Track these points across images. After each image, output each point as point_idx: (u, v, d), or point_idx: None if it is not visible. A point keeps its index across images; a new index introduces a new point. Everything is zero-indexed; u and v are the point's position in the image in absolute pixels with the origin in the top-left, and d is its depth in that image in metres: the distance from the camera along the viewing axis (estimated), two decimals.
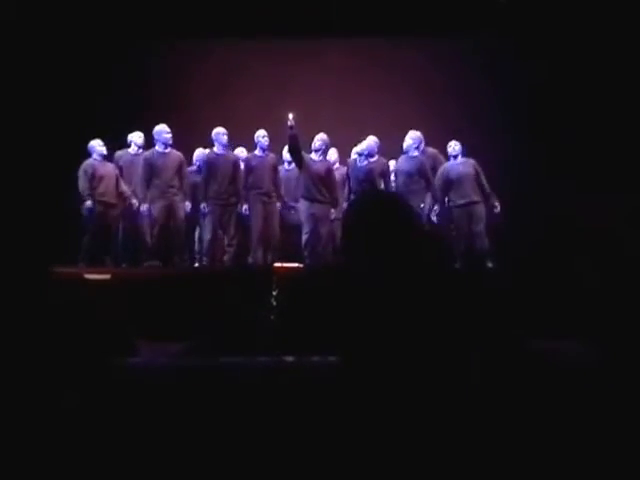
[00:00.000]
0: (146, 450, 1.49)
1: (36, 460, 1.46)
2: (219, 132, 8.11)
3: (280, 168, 8.39)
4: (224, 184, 8.03)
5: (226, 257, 8.16)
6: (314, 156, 7.99)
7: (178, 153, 8.07)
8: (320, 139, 8.02)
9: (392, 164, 8.30)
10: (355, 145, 8.24)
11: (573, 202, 8.42)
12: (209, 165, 8.08)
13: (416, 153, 8.01)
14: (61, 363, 1.72)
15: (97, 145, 8.09)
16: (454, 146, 8.09)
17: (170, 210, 7.91)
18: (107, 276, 5.70)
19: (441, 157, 8.21)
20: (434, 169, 8.09)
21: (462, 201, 7.95)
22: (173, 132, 8.04)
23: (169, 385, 1.75)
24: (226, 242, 8.15)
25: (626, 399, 1.61)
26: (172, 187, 7.91)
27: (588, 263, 6.73)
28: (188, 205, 8.06)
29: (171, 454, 1.49)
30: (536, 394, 1.56)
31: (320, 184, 7.88)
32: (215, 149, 8.14)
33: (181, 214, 7.98)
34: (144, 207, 7.91)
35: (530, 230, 8.22)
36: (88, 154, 8.10)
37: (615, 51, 8.57)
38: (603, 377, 1.76)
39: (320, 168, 7.92)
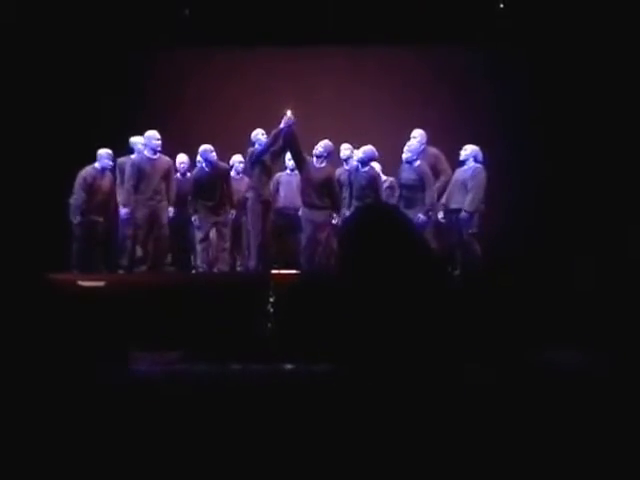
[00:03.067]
0: (139, 459, 1.46)
1: (29, 469, 1.43)
2: (206, 149, 8.11)
3: (282, 174, 8.41)
4: (214, 197, 8.04)
5: (220, 264, 8.16)
6: (315, 162, 8.00)
7: (167, 159, 8.08)
8: (322, 146, 8.04)
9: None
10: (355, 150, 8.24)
11: (575, 207, 8.45)
12: (197, 181, 8.10)
13: (418, 163, 8.00)
14: (54, 370, 1.69)
15: (105, 157, 8.01)
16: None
17: (154, 217, 7.91)
18: (101, 283, 5.67)
19: (442, 157, 8.20)
20: (434, 168, 8.08)
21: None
22: (172, 138, 8.04)
23: (164, 394, 1.72)
24: (220, 248, 8.17)
25: (628, 408, 1.59)
26: (158, 193, 7.91)
27: (589, 266, 6.75)
28: (171, 210, 8.06)
29: (165, 463, 1.46)
30: (537, 403, 1.55)
31: (320, 190, 7.90)
32: (204, 165, 8.13)
33: (164, 220, 7.98)
34: (123, 211, 7.88)
35: (532, 235, 8.21)
36: (94, 160, 8.05)
37: (619, 56, 8.59)
38: (605, 385, 1.74)
39: (320, 174, 7.93)
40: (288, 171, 8.42)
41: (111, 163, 8.04)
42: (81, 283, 5.70)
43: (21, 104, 8.69)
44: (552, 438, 1.40)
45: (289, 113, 7.79)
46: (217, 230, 8.12)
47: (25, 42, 8.73)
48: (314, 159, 8.01)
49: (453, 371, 1.45)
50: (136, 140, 8.20)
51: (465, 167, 7.93)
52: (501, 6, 8.94)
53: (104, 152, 7.99)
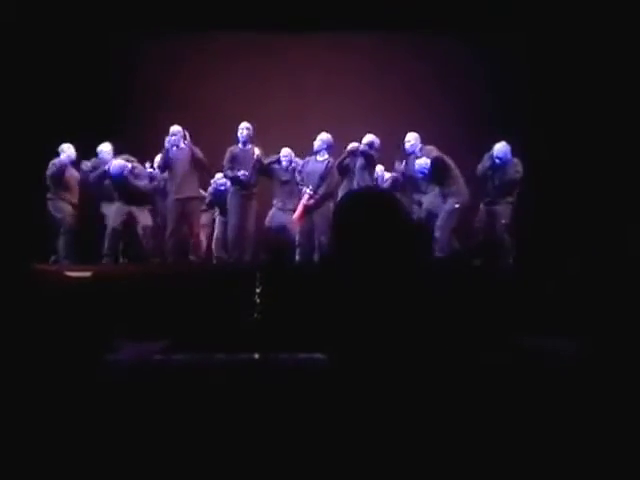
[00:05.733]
0: (127, 447, 1.47)
1: (19, 461, 1.44)
2: (177, 130, 8.06)
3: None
4: (184, 179, 8.03)
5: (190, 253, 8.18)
6: (319, 157, 8.03)
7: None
8: (320, 139, 8.06)
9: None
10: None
11: (567, 202, 8.48)
12: (167, 161, 8.07)
13: (421, 155, 8.01)
14: (42, 360, 1.70)
15: (67, 150, 8.03)
16: None
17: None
18: (87, 274, 5.66)
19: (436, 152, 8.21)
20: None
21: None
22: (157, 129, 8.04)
23: (150, 382, 1.73)
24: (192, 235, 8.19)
25: (614, 394, 1.61)
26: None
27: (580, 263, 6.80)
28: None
29: (153, 452, 1.47)
30: (526, 390, 1.56)
31: (316, 184, 7.92)
32: (173, 147, 8.09)
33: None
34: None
35: (522, 229, 8.21)
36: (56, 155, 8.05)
37: (610, 47, 8.63)
38: (592, 373, 1.76)
39: (319, 168, 7.96)
40: (284, 162, 8.36)
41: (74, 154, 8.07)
42: (68, 274, 5.68)
43: (6, 95, 8.61)
44: (545, 424, 1.42)
45: (257, 151, 7.98)
46: (185, 217, 8.10)
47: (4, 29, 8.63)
48: (314, 155, 8.04)
49: (444, 356, 1.45)
50: (102, 148, 8.11)
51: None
52: None
53: (65, 146, 8.03)
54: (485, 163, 7.85)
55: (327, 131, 8.13)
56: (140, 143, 8.26)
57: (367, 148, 7.88)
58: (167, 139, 7.99)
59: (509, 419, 1.43)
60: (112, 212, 7.95)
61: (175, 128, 8.04)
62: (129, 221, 7.95)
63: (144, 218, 8.03)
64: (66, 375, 1.66)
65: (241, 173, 7.97)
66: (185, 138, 8.06)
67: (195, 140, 8.23)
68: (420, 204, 8.01)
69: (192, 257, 8.12)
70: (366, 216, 1.49)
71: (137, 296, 5.37)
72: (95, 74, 9.10)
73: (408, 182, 8.16)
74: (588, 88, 8.68)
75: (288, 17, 9.01)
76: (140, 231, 7.95)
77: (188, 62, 9.47)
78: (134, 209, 7.98)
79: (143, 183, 8.08)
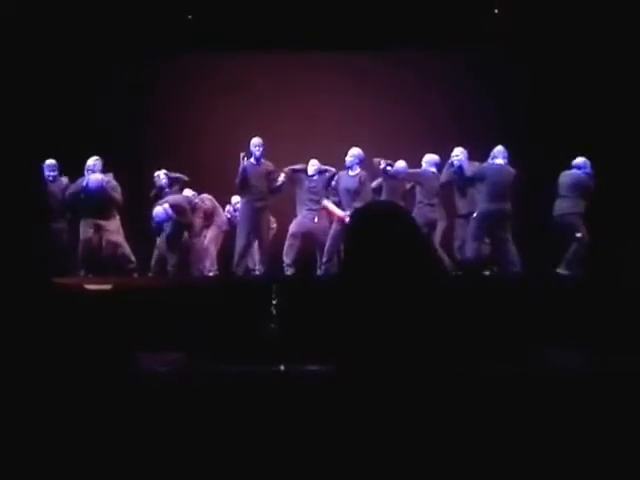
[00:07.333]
0: (144, 459, 1.50)
1: (36, 471, 1.47)
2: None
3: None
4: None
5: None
6: (351, 172, 8.07)
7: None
8: (351, 154, 8.11)
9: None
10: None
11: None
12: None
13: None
14: (61, 373, 1.72)
15: (48, 169, 7.97)
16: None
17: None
18: (108, 286, 5.71)
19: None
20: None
21: None
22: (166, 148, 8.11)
23: (170, 394, 1.75)
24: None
25: (621, 405, 1.62)
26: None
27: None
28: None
29: (171, 461, 1.50)
30: (536, 399, 1.57)
31: (351, 199, 7.94)
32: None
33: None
34: None
35: (525, 238, 8.17)
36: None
37: (610, 59, 8.63)
38: (599, 383, 1.77)
39: (352, 183, 7.99)
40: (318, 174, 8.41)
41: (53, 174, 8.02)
42: (88, 287, 5.74)
43: (19, 110, 8.67)
44: (551, 436, 1.43)
45: (282, 177, 8.11)
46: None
47: (18, 47, 8.70)
48: (346, 170, 8.08)
49: (450, 370, 1.45)
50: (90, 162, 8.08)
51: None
52: (495, 11, 8.95)
53: (49, 162, 7.97)
54: (589, 181, 7.92)
55: (337, 149, 8.18)
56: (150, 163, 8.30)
57: (386, 166, 8.00)
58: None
59: (519, 430, 1.44)
60: (81, 226, 7.93)
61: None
62: (97, 234, 7.94)
63: (111, 234, 7.99)
64: (86, 387, 1.68)
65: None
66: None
67: (202, 161, 8.28)
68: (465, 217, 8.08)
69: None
70: (374, 230, 1.50)
71: (156, 308, 5.41)
72: (104, 96, 9.16)
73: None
74: (592, 95, 8.68)
75: (293, 38, 9.06)
76: (105, 244, 7.94)
77: (194, 84, 9.52)
78: (102, 222, 7.94)
79: (118, 195, 8.04)
